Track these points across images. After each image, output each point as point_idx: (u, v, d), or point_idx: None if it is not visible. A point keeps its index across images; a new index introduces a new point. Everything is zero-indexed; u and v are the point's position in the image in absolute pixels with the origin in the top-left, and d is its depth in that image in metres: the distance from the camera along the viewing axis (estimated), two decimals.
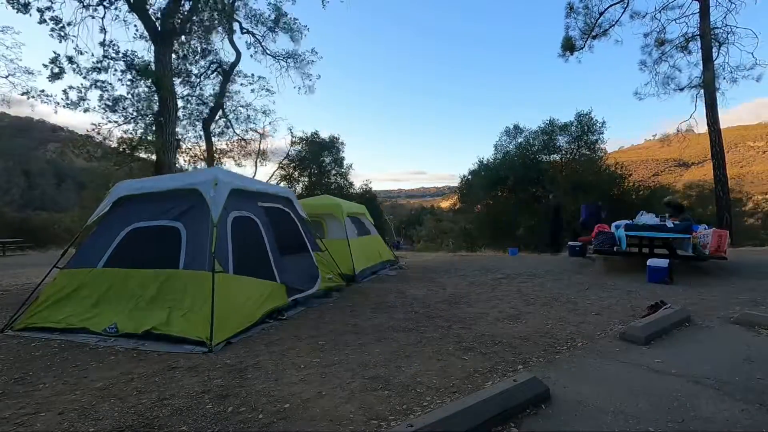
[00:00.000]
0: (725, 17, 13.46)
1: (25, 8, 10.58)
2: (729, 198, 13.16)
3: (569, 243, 9.52)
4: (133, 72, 11.84)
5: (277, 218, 5.94)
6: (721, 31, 13.55)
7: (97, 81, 11.70)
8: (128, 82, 12.31)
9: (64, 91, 11.44)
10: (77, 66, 11.39)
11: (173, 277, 4.29)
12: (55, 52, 11.18)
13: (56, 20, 11.01)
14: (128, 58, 11.84)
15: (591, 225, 10.61)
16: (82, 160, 13.48)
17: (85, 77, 11.58)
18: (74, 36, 11.34)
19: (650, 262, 6.76)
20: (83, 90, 11.60)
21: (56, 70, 11.10)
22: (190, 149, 17.20)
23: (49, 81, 11.18)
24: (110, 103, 11.94)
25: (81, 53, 11.49)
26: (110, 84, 11.96)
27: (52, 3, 10.82)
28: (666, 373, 3.03)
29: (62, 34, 11.13)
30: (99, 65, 11.62)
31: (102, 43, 11.66)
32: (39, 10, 10.76)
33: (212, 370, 3.25)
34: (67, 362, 3.51)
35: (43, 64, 11.09)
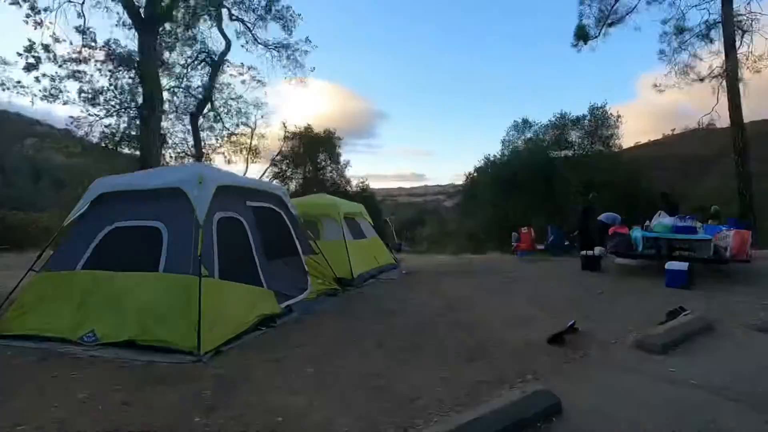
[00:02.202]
0: (749, 3, 13.49)
1: None
2: (753, 197, 13.14)
3: (581, 253, 9.48)
4: (116, 62, 11.82)
5: (266, 219, 5.92)
6: (745, 18, 13.56)
7: (75, 72, 11.67)
8: (108, 73, 12.28)
9: (37, 79, 11.28)
10: (53, 55, 11.36)
11: (155, 281, 4.28)
12: (30, 40, 11.15)
13: (30, 3, 10.96)
14: (110, 47, 11.84)
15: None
16: (61, 156, 13.46)
17: (61, 66, 11.54)
18: (51, 23, 11.32)
19: (668, 265, 6.76)
20: (58, 79, 11.52)
21: (31, 60, 11.08)
22: (177, 144, 17.19)
23: (24, 71, 11.15)
24: (90, 95, 11.90)
25: (58, 41, 11.48)
26: (89, 74, 11.93)
27: None
28: (684, 383, 3.04)
29: (37, 20, 11.10)
30: (78, 55, 11.59)
31: (80, 30, 11.61)
32: None
33: (200, 381, 3.25)
34: (45, 372, 3.51)
35: (18, 53, 11.06)
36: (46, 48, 11.27)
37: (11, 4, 10.80)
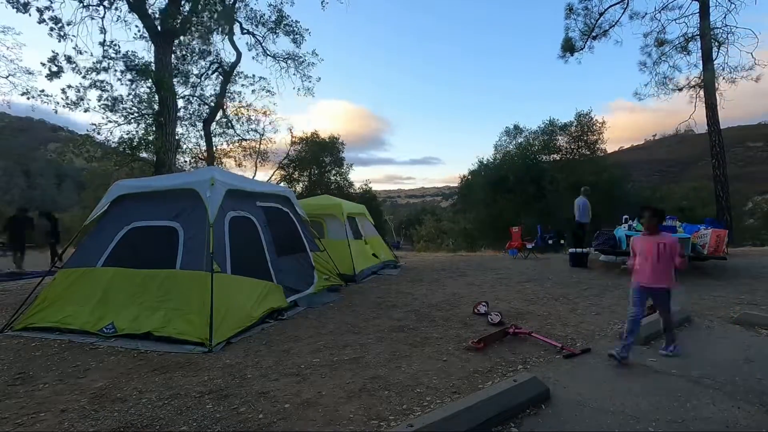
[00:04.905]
0: (725, 17, 13.46)
1: (24, 8, 10.58)
2: (729, 198, 13.14)
3: (570, 250, 9.49)
4: (133, 72, 11.83)
5: (275, 218, 5.93)
6: (721, 31, 13.54)
7: (96, 81, 11.69)
8: (128, 82, 12.31)
9: (63, 90, 11.39)
10: (76, 65, 11.38)
11: (171, 277, 4.29)
12: (53, 52, 11.18)
13: (55, 20, 11.01)
14: (128, 58, 11.84)
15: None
16: (82, 160, 13.43)
17: (84, 77, 11.58)
18: (74, 36, 11.35)
19: None
20: (82, 89, 11.57)
21: (54, 68, 11.09)
22: (191, 149, 17.19)
23: (48, 79, 11.17)
24: (109, 103, 11.91)
25: (80, 53, 11.49)
26: (110, 84, 11.96)
27: (51, 2, 10.83)
28: (666, 373, 3.03)
29: (62, 33, 11.12)
30: (98, 65, 11.61)
31: (102, 43, 11.66)
32: (39, 9, 10.76)
33: (212, 370, 3.25)
34: (66, 362, 3.51)
35: (42, 63, 11.08)
36: (69, 59, 11.29)
37: (39, 22, 10.85)
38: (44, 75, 11.08)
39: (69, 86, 11.41)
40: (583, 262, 8.52)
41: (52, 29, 11.04)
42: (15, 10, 10.45)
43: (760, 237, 21.74)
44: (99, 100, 11.80)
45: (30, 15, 10.70)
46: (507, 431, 2.27)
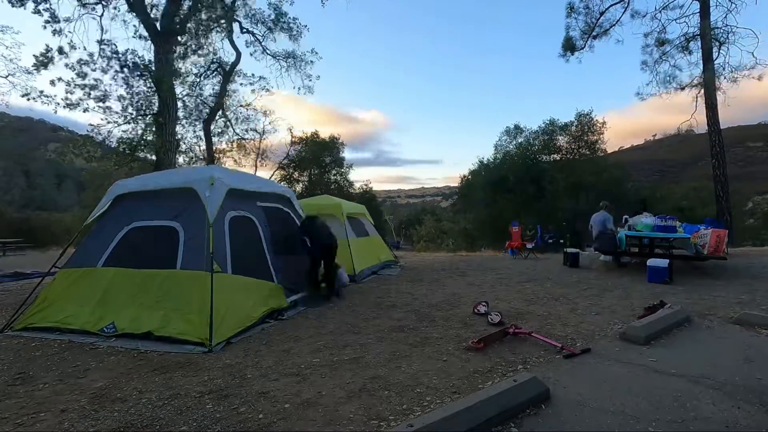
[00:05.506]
0: (725, 17, 13.48)
1: (20, 2, 10.50)
2: (729, 198, 13.16)
3: (565, 249, 9.49)
4: (132, 71, 11.79)
5: (275, 218, 5.93)
6: (722, 30, 13.56)
7: (81, 73, 11.50)
8: (123, 81, 12.24)
9: (52, 83, 11.19)
10: (68, 57, 11.25)
11: (171, 277, 4.28)
12: (47, 45, 11.10)
13: (51, 13, 10.92)
14: (126, 57, 11.80)
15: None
16: (82, 160, 13.43)
17: (79, 74, 11.48)
18: (69, 32, 11.27)
19: (650, 262, 6.76)
20: (72, 83, 11.38)
21: (44, 60, 10.98)
22: (190, 149, 17.18)
23: (34, 69, 11.05)
24: (101, 96, 11.69)
25: (74, 48, 11.40)
26: (104, 82, 11.86)
27: None
28: (666, 373, 3.03)
29: (57, 29, 11.04)
30: (90, 59, 11.46)
31: (100, 42, 11.61)
32: (34, 0, 10.67)
33: (212, 370, 3.25)
34: (67, 362, 3.52)
35: (34, 55, 10.95)
36: (60, 50, 11.19)
37: (34, 12, 10.78)
38: (31, 64, 10.94)
39: (59, 79, 11.26)
40: (575, 262, 8.58)
41: (47, 22, 10.95)
42: (10, 5, 10.40)
43: (760, 237, 21.75)
44: (83, 92, 11.50)
45: (25, 8, 10.62)
46: (507, 431, 2.27)
